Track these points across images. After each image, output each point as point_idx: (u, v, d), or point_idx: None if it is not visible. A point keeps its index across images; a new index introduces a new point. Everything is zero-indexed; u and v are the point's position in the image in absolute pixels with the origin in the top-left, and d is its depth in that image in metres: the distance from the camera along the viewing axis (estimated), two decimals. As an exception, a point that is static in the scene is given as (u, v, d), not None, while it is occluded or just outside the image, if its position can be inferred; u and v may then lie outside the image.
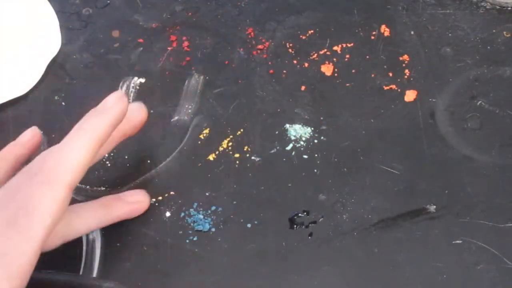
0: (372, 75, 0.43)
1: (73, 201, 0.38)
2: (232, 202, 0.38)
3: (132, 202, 0.37)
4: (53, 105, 0.43)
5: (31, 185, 0.29)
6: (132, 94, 0.43)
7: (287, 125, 0.41)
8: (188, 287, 0.35)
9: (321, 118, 0.41)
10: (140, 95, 0.43)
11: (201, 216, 0.37)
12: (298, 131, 0.40)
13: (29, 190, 0.29)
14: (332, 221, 0.37)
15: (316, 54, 0.44)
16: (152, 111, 0.41)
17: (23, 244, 0.27)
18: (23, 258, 0.27)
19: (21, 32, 0.47)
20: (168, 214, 0.37)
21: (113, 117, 0.32)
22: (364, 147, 0.39)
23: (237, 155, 0.40)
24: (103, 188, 0.39)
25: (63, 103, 0.43)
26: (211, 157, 0.40)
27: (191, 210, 0.37)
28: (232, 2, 0.47)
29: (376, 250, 0.36)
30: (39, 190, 0.29)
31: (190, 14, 0.47)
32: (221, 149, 0.40)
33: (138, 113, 0.36)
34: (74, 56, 0.45)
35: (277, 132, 0.40)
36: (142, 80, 0.43)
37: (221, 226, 0.37)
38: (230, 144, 0.40)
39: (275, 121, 0.41)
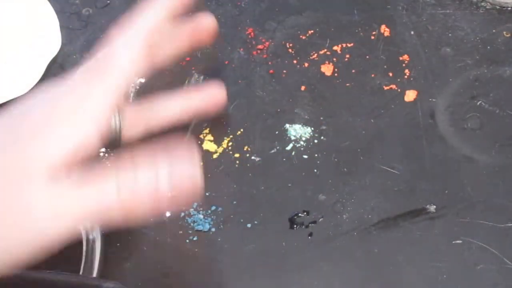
0: (372, 75, 0.43)
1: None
2: (232, 202, 0.38)
3: (210, 94, 0.37)
4: (53, 105, 0.43)
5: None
6: (132, 94, 0.43)
7: (287, 125, 0.41)
8: (188, 287, 0.35)
9: (321, 118, 0.41)
10: (140, 95, 0.43)
11: (201, 216, 0.37)
12: (298, 131, 0.40)
13: (108, 51, 0.30)
14: (332, 221, 0.37)
15: (316, 54, 0.44)
16: (152, 111, 0.41)
17: (105, 88, 0.29)
18: (104, 103, 0.28)
19: (21, 32, 0.47)
20: (168, 214, 0.37)
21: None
22: (364, 147, 0.39)
23: (237, 155, 0.40)
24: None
25: (63, 103, 0.43)
26: (211, 157, 0.40)
27: (191, 210, 0.38)
28: (232, 2, 0.47)
29: (376, 250, 0.36)
30: (117, 50, 0.30)
31: (190, 14, 0.47)
32: (221, 149, 0.40)
33: (207, 21, 0.36)
34: (74, 56, 0.45)
35: (277, 132, 0.40)
36: (142, 80, 0.43)
37: (221, 226, 0.37)
38: (230, 144, 0.40)
39: (275, 121, 0.41)
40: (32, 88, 0.43)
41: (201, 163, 0.39)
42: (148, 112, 0.36)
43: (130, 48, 0.31)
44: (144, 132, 0.35)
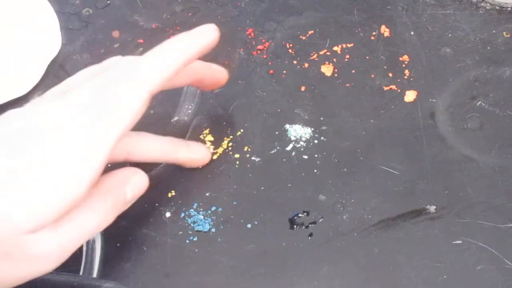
0: (372, 76, 0.43)
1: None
2: (232, 203, 0.38)
3: (195, 152, 0.38)
4: (53, 105, 0.43)
5: (119, 80, 0.30)
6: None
7: (287, 126, 0.41)
8: (188, 287, 0.35)
9: (321, 119, 0.41)
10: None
11: (201, 217, 0.37)
12: (298, 132, 0.40)
13: (117, 84, 0.29)
14: (332, 221, 0.37)
15: (316, 55, 0.44)
16: (152, 111, 0.41)
17: (109, 127, 0.28)
18: (106, 140, 0.28)
19: (21, 32, 0.46)
20: (168, 214, 0.37)
21: (205, 42, 0.33)
22: (364, 148, 0.39)
23: (237, 156, 0.40)
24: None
25: (63, 103, 0.43)
26: (211, 157, 0.40)
27: (191, 210, 0.38)
28: (232, 2, 0.47)
29: (376, 250, 0.36)
30: (126, 85, 0.30)
31: (190, 14, 0.47)
32: (221, 149, 0.40)
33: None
34: (74, 57, 0.45)
35: (277, 133, 0.40)
36: None
37: (221, 227, 0.37)
38: (230, 144, 0.40)
39: (275, 121, 0.41)
40: (32, 89, 0.43)
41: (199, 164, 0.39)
42: (129, 146, 0.35)
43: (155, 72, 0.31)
44: (122, 161, 0.35)
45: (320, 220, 0.37)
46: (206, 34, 0.34)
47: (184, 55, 0.32)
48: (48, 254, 0.27)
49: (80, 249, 0.36)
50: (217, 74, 0.39)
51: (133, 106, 0.29)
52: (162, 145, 0.37)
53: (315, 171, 0.39)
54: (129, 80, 0.30)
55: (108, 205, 0.30)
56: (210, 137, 0.40)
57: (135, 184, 0.32)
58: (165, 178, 0.39)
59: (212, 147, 0.40)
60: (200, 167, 0.39)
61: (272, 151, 0.40)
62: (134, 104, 0.29)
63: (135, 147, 0.35)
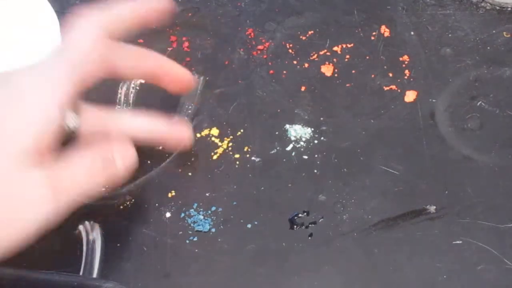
0: (372, 76, 0.43)
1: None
2: (232, 203, 0.38)
3: (178, 130, 0.37)
4: (53, 105, 0.43)
5: None
6: (132, 95, 0.43)
7: (287, 126, 0.41)
8: (188, 287, 0.35)
9: (321, 119, 0.41)
10: (140, 95, 0.43)
11: (201, 217, 0.37)
12: (298, 132, 0.40)
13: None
14: (332, 221, 0.37)
15: (316, 55, 0.44)
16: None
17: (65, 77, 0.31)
18: (64, 91, 0.30)
19: (20, 32, 0.46)
20: (168, 214, 0.37)
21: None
22: (364, 148, 0.39)
23: (237, 156, 0.40)
24: (103, 189, 0.39)
25: (63, 104, 0.43)
26: (211, 157, 0.40)
27: (191, 210, 0.38)
28: (232, 2, 0.47)
29: (376, 250, 0.36)
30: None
31: (190, 14, 0.47)
32: (221, 149, 0.40)
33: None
34: (74, 57, 0.45)
35: (277, 133, 0.40)
36: (142, 80, 0.43)
37: (221, 227, 0.37)
38: (230, 144, 0.40)
39: (275, 121, 0.41)
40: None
41: (201, 164, 0.39)
42: (108, 121, 0.35)
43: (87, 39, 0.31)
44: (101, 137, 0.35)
45: (320, 220, 0.37)
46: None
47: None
48: (42, 192, 0.28)
49: (80, 249, 0.36)
50: (178, 74, 0.37)
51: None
52: (141, 121, 0.36)
53: (315, 171, 0.39)
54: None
55: (97, 160, 0.31)
56: (210, 137, 0.40)
57: (122, 152, 0.33)
58: (165, 178, 0.39)
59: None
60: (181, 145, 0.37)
61: (272, 151, 0.40)
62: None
63: (111, 122, 0.35)
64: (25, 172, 0.28)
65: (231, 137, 0.40)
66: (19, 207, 0.28)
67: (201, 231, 0.37)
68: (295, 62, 0.44)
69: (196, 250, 0.36)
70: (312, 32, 0.45)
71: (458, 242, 0.35)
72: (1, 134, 0.28)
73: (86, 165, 0.31)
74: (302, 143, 0.40)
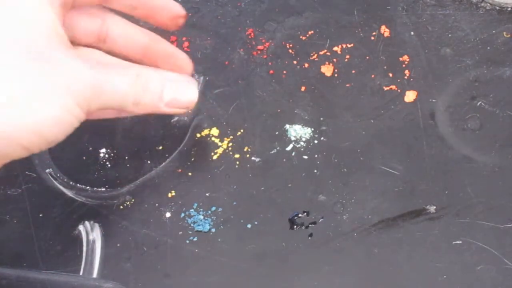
0: (372, 76, 0.43)
1: (72, 201, 0.38)
2: (232, 203, 0.38)
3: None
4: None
5: None
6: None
7: (287, 126, 0.41)
8: (188, 287, 0.35)
9: (321, 119, 0.41)
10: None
11: (201, 217, 0.37)
12: (298, 132, 0.40)
13: None
14: (332, 221, 0.37)
15: (316, 55, 0.44)
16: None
17: None
18: None
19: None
20: (168, 214, 0.37)
21: None
22: (364, 148, 0.39)
23: (237, 156, 0.40)
24: (103, 189, 0.39)
25: (63, 104, 0.43)
26: (211, 157, 0.40)
27: (191, 210, 0.38)
28: (232, 2, 0.47)
29: (376, 250, 0.36)
30: None
31: (190, 14, 0.47)
32: (221, 149, 0.40)
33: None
34: (74, 57, 0.45)
35: (277, 133, 0.40)
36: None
37: (221, 227, 0.37)
38: (230, 144, 0.40)
39: (275, 121, 0.41)
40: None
41: (201, 164, 0.39)
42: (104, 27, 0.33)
43: None
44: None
45: (320, 220, 0.37)
46: None
47: None
48: (84, 73, 0.26)
49: (80, 249, 0.36)
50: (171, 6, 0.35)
51: None
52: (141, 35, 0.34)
53: (315, 171, 0.39)
54: None
55: (143, 79, 0.29)
56: (210, 137, 0.41)
57: (177, 88, 0.30)
58: (165, 178, 0.39)
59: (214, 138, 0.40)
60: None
61: (272, 151, 0.40)
62: None
63: (111, 30, 0.33)
64: (66, 51, 0.26)
65: (231, 137, 0.40)
66: (57, 83, 0.25)
67: (201, 231, 0.37)
68: (295, 62, 0.44)
69: (196, 250, 0.36)
70: (312, 32, 0.45)
71: (458, 242, 0.35)
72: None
73: (131, 77, 0.28)
74: (302, 143, 0.40)
